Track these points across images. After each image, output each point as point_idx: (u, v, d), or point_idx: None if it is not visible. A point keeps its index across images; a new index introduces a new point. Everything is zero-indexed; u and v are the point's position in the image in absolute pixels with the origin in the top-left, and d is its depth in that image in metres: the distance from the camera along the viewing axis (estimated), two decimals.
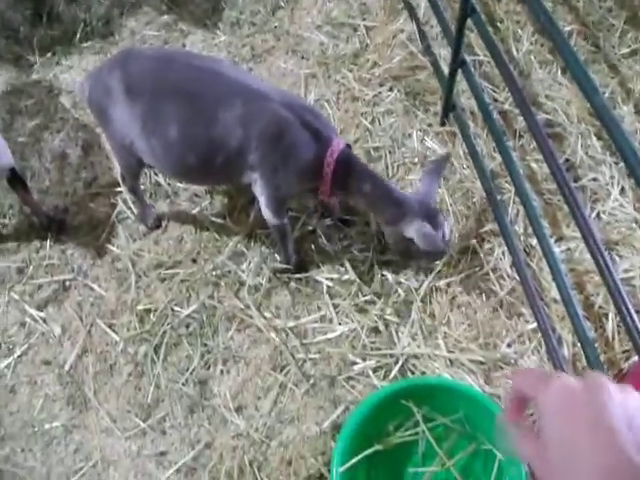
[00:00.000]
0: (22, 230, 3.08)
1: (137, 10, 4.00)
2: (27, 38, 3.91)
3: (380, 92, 3.21)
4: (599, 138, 3.08)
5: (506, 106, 3.13)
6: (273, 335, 2.59)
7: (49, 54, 3.83)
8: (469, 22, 2.59)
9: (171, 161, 2.40)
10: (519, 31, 3.57)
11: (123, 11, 4.00)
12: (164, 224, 2.96)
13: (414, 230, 2.28)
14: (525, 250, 2.72)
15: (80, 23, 3.93)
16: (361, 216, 2.86)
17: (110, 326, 2.74)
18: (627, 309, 1.88)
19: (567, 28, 3.56)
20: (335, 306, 2.65)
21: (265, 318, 2.63)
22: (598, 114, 1.78)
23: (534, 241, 2.67)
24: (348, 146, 2.40)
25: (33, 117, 3.52)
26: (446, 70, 3.09)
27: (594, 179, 2.96)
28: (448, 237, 2.35)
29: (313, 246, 2.79)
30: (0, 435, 2.56)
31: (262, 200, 2.44)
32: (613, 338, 2.52)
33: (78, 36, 3.87)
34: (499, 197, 2.77)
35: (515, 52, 3.46)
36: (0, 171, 2.81)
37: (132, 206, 3.01)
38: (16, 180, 2.83)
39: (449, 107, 2.94)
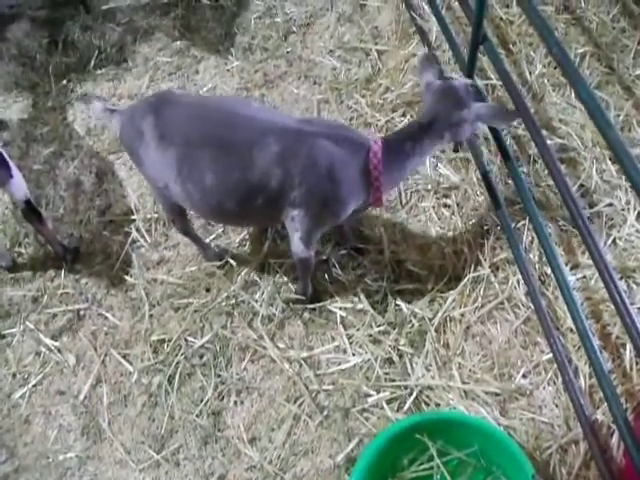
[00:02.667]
0: (37, 259, 3.11)
1: (150, 36, 4.04)
2: (43, 65, 3.97)
3: (393, 118, 3.21)
4: (614, 162, 3.04)
5: (520, 131, 3.11)
6: (287, 366, 2.58)
7: (64, 81, 3.89)
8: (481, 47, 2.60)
9: (208, 206, 2.37)
10: (532, 53, 3.55)
11: (136, 37, 4.05)
12: (177, 252, 2.98)
13: (476, 116, 2.25)
14: (540, 278, 2.69)
15: (94, 50, 3.98)
16: (375, 244, 2.85)
17: (124, 356, 2.75)
18: None
19: (580, 50, 3.54)
20: (349, 336, 2.63)
21: (279, 349, 2.62)
22: (614, 150, 1.77)
23: (549, 269, 2.64)
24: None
25: (48, 144, 3.57)
26: None
27: (610, 204, 2.92)
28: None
29: (327, 275, 2.78)
30: (15, 466, 2.58)
31: (297, 235, 2.39)
32: (631, 369, 2.47)
33: (92, 63, 3.93)
34: (513, 225, 2.75)
35: (528, 75, 3.44)
36: (16, 203, 2.85)
37: (145, 235, 3.03)
38: (31, 211, 2.85)
39: None
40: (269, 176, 2.22)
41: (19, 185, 2.78)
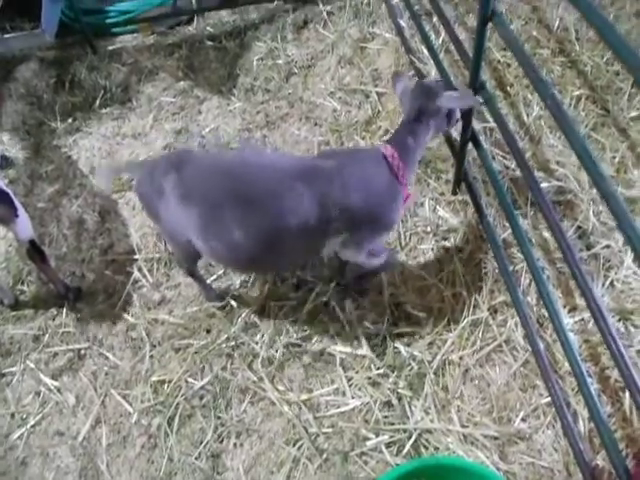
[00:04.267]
0: (39, 297, 3.14)
1: (154, 76, 4.14)
2: (50, 104, 4.06)
3: None
4: None
5: (517, 173, 3.15)
6: (286, 408, 2.59)
7: (70, 120, 3.97)
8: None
9: (237, 260, 2.43)
10: (529, 96, 3.62)
11: (141, 78, 4.14)
12: (178, 292, 3.00)
13: (448, 101, 2.44)
14: (538, 321, 2.71)
15: (100, 90, 4.07)
16: (374, 285, 2.88)
17: (124, 397, 2.75)
18: (637, 387, 1.85)
19: (576, 92, 3.62)
20: (348, 379, 2.64)
21: (278, 391, 2.63)
22: (607, 201, 1.81)
23: (547, 312, 2.65)
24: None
25: (53, 183, 3.62)
26: (457, 138, 3.15)
27: (607, 246, 2.95)
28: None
29: (327, 317, 2.80)
30: None
31: (360, 257, 2.53)
32: (631, 413, 2.47)
33: (98, 102, 4.01)
34: (511, 267, 2.78)
35: (525, 117, 3.51)
36: (20, 242, 2.88)
37: (147, 274, 3.06)
38: (35, 251, 2.89)
39: (461, 177, 2.98)
40: (306, 218, 2.27)
41: (24, 225, 2.81)
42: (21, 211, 2.77)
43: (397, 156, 2.40)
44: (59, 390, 2.82)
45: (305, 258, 2.66)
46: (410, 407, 2.56)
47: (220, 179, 2.33)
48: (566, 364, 2.54)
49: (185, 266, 2.78)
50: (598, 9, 1.69)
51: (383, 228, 2.50)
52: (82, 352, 2.92)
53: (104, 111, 3.98)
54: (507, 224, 2.94)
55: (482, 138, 3.19)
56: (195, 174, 2.34)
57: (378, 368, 2.64)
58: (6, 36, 4.04)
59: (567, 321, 2.67)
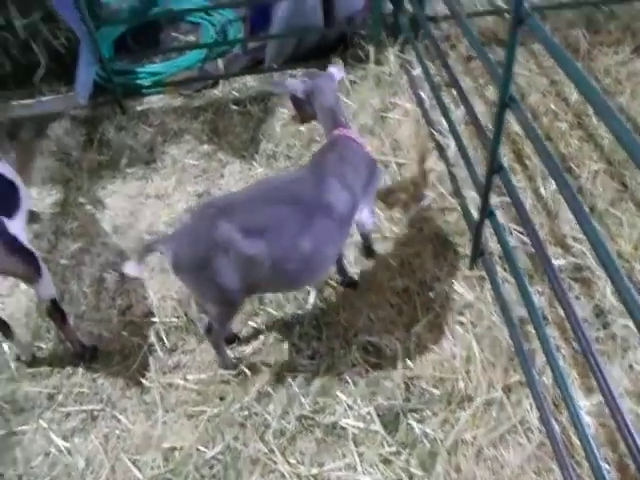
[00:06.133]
0: (56, 355, 3.16)
1: (179, 138, 4.26)
2: (78, 162, 4.19)
3: (409, 232, 3.30)
4: (630, 281, 3.07)
5: (534, 249, 3.16)
6: None
7: (96, 178, 4.08)
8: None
9: (309, 269, 2.60)
10: (546, 169, 3.66)
11: (166, 139, 4.27)
12: (193, 357, 3.02)
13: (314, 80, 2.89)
14: (554, 402, 2.68)
15: (127, 149, 4.20)
16: (389, 358, 2.88)
17: (134, 462, 2.73)
18: None
19: (594, 167, 3.66)
20: (359, 454, 2.61)
21: (289, 464, 2.60)
22: (620, 296, 1.82)
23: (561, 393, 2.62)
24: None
25: (76, 240, 3.70)
26: (475, 214, 3.19)
27: (625, 326, 2.93)
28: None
29: (340, 390, 2.79)
30: None
31: (372, 218, 3.01)
32: None
33: (124, 162, 4.13)
34: (526, 346, 2.76)
35: (543, 190, 3.55)
36: (41, 301, 2.93)
37: (164, 338, 3.09)
38: (56, 310, 2.93)
39: (477, 253, 3.00)
40: (346, 208, 2.65)
41: (47, 285, 2.86)
42: (44, 271, 2.83)
43: (348, 132, 2.84)
44: (69, 452, 2.81)
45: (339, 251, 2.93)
46: None
47: (266, 205, 2.50)
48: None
49: (217, 333, 2.76)
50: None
51: (378, 179, 2.96)
52: (95, 413, 2.92)
53: (129, 171, 4.09)
54: (522, 301, 2.95)
55: (499, 212, 3.23)
56: (246, 208, 2.46)
57: (390, 445, 2.61)
58: (43, 99, 4.24)
59: (583, 403, 2.63)
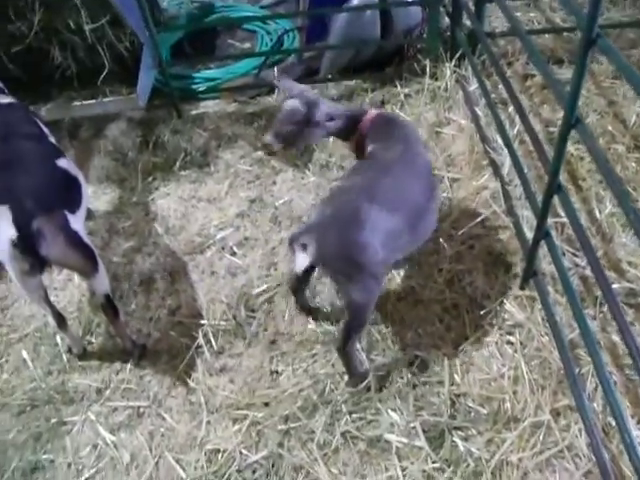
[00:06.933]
0: (105, 350, 3.24)
1: (233, 144, 4.32)
2: (133, 162, 4.29)
3: (461, 249, 3.28)
4: None
5: (587, 272, 3.11)
6: None
7: (150, 179, 4.17)
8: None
9: (427, 231, 2.85)
10: (602, 192, 3.60)
11: (220, 143, 4.34)
12: (240, 362, 3.05)
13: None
14: (604, 430, 2.62)
15: (181, 152, 4.28)
16: (436, 374, 2.86)
17: (178, 461, 2.77)
18: None
19: None
20: (403, 469, 2.60)
21: (332, 474, 2.61)
22: None
23: (614, 420, 2.57)
24: None
25: (129, 238, 3.78)
26: (528, 233, 3.15)
27: None
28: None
29: (386, 406, 2.78)
30: None
31: None
32: None
33: (178, 164, 4.21)
34: (577, 370, 2.71)
35: (598, 214, 3.48)
36: (96, 296, 3.01)
37: (212, 340, 3.13)
38: (109, 306, 3.00)
39: (530, 273, 2.97)
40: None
41: (102, 280, 2.94)
42: (101, 266, 2.90)
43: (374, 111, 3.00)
44: (115, 446, 2.87)
45: None
46: None
47: (397, 180, 2.68)
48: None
49: (355, 339, 2.75)
50: None
51: None
52: (141, 410, 2.97)
53: (183, 173, 4.16)
54: (575, 324, 2.90)
55: (553, 233, 3.19)
56: (383, 189, 2.61)
57: (434, 462, 2.59)
58: (105, 100, 4.38)
59: (636, 433, 2.57)
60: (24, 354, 3.23)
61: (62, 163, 2.93)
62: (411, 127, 3.07)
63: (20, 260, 2.59)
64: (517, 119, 3.86)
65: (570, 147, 3.83)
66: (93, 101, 4.56)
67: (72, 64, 4.55)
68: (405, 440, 2.66)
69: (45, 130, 3.17)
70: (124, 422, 2.94)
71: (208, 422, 2.86)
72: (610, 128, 4.05)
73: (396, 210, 2.59)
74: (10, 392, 3.09)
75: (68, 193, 2.86)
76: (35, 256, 2.56)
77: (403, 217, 2.61)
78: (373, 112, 2.96)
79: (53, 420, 2.96)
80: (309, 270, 2.86)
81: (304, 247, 2.53)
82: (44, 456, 2.86)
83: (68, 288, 3.56)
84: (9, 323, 3.42)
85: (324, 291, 3.29)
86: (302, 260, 2.54)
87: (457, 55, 4.39)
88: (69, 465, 2.84)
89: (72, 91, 4.77)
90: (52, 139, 3.16)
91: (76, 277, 3.56)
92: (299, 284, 3.05)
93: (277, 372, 3.00)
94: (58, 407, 3.01)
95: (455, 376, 2.85)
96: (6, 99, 3.27)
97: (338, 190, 2.80)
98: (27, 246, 2.54)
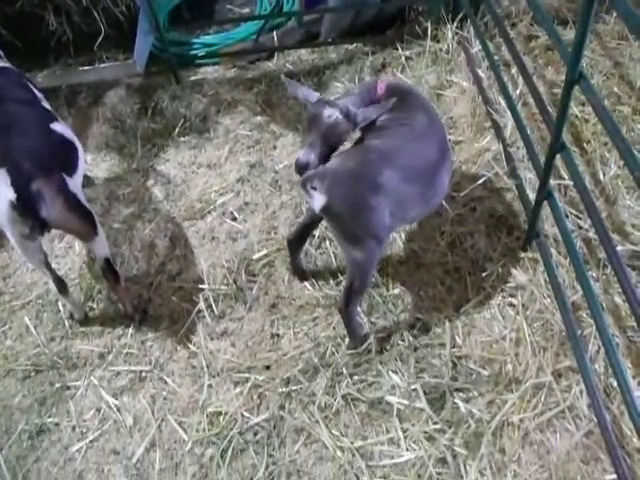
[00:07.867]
0: (107, 316, 3.24)
1: (233, 109, 4.27)
2: (132, 129, 4.24)
3: (463, 211, 3.25)
4: None
5: (590, 234, 3.08)
6: (339, 454, 2.57)
7: (149, 145, 4.13)
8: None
9: (441, 194, 2.78)
10: (607, 154, 3.55)
11: (220, 109, 4.28)
12: (241, 325, 3.05)
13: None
14: (605, 391, 2.62)
15: (180, 118, 4.23)
16: (437, 337, 2.86)
17: (180, 423, 2.79)
18: None
19: None
20: (404, 430, 2.61)
21: (333, 435, 2.62)
22: None
23: (615, 381, 2.56)
24: None
25: (129, 205, 3.76)
26: (531, 195, 3.11)
27: None
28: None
29: (387, 368, 2.78)
30: None
31: None
32: None
33: (177, 131, 4.17)
34: (579, 332, 2.70)
35: (602, 176, 3.43)
36: (97, 260, 3.00)
37: (213, 305, 3.13)
38: (110, 270, 3.00)
39: (533, 235, 2.94)
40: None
41: (102, 243, 2.93)
42: (100, 230, 2.89)
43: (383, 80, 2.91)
44: (119, 409, 2.89)
45: None
46: (465, 466, 2.50)
47: (417, 147, 2.65)
48: (634, 440, 2.44)
49: (356, 301, 2.76)
50: None
51: None
52: (143, 374, 2.99)
53: (182, 139, 4.12)
54: (577, 286, 2.88)
55: (556, 196, 3.15)
56: (404, 155, 2.58)
57: (435, 423, 2.60)
58: (101, 65, 4.31)
59: (637, 394, 2.56)
60: (27, 321, 3.25)
61: (57, 127, 2.90)
62: (422, 95, 3.01)
63: (20, 223, 2.57)
64: (520, 80, 3.80)
65: (574, 109, 3.76)
66: (90, 67, 4.50)
67: (67, 29, 4.49)
68: (406, 402, 2.66)
69: (38, 95, 3.12)
70: (127, 386, 2.96)
71: (210, 385, 2.87)
72: (616, 90, 3.96)
73: (413, 180, 2.57)
74: (14, 358, 3.12)
75: (65, 156, 2.83)
76: (35, 218, 2.54)
77: (418, 187, 2.60)
78: (382, 84, 2.83)
79: (57, 385, 2.99)
80: (310, 225, 2.94)
81: (315, 190, 2.50)
82: (49, 419, 2.89)
83: (69, 255, 3.55)
84: (12, 290, 3.43)
85: (324, 256, 3.27)
86: (319, 199, 2.50)
87: (459, 17, 4.30)
88: (73, 428, 2.87)
89: (68, 58, 4.71)
90: (46, 104, 3.12)
91: (77, 244, 3.56)
92: (298, 239, 3.02)
93: (278, 335, 3.01)
94: (62, 372, 3.03)
95: (457, 338, 2.85)
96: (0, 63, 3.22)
97: (364, 146, 2.70)
98: (26, 208, 2.52)
